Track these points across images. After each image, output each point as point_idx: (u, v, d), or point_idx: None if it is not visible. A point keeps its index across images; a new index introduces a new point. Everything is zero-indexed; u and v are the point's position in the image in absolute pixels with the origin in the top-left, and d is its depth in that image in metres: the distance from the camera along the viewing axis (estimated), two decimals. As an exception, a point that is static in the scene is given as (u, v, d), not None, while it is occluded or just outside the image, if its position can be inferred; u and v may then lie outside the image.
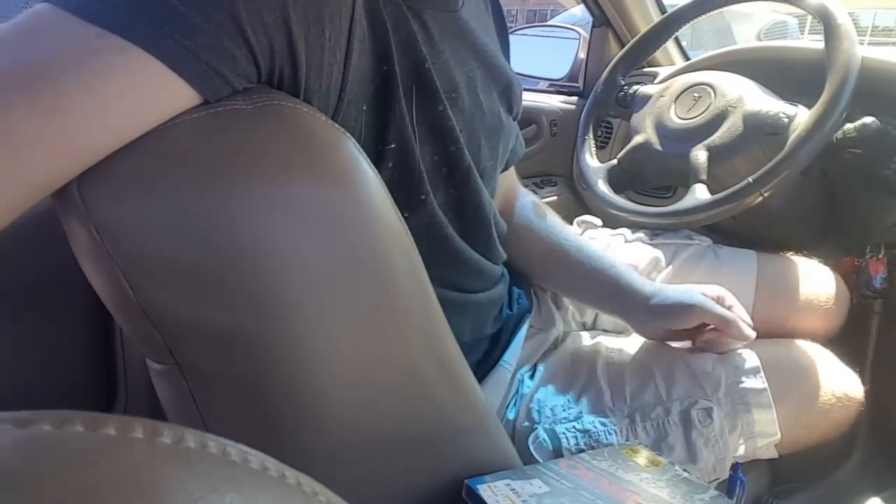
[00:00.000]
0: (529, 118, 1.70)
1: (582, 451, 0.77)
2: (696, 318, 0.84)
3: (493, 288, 0.80)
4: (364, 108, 0.57)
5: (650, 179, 1.25)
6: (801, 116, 1.01)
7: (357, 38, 0.53)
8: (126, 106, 0.41)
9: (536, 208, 0.98)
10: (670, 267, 1.03)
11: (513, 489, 0.58)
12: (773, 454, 0.84)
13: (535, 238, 0.95)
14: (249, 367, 0.46)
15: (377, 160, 0.58)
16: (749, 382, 0.82)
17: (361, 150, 0.51)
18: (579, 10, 2.85)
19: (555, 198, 1.71)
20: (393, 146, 0.60)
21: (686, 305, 0.84)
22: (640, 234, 1.12)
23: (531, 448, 0.78)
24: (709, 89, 1.15)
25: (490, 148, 0.76)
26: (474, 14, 0.73)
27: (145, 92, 0.41)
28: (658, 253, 1.04)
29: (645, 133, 1.21)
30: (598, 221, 1.21)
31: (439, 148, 0.66)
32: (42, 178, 0.40)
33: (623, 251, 1.07)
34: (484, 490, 0.57)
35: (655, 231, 1.13)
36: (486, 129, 0.73)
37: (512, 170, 0.98)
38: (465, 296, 0.75)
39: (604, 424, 0.79)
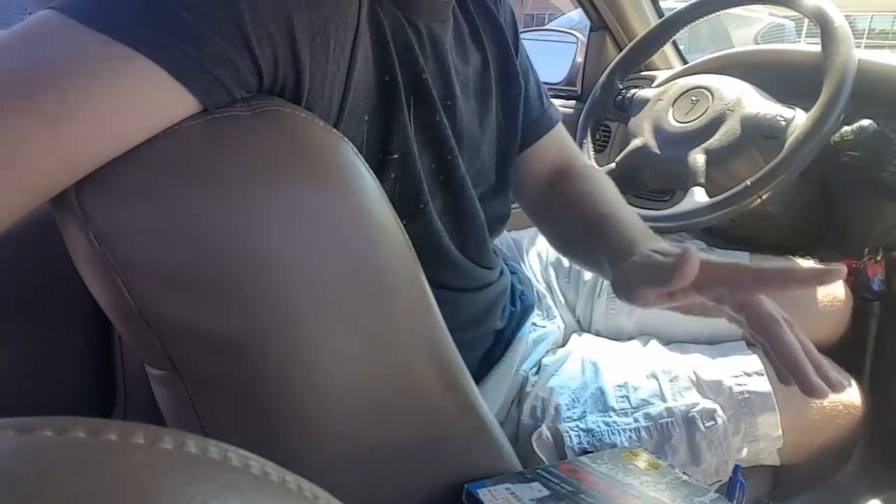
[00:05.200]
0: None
1: (585, 450, 0.77)
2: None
3: (485, 288, 0.80)
4: (366, 118, 0.57)
5: (648, 183, 1.26)
6: (798, 119, 1.02)
7: (361, 48, 0.54)
8: (129, 114, 0.41)
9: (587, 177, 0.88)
10: None
11: (513, 493, 0.58)
12: (776, 460, 0.84)
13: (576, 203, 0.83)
14: (249, 373, 0.46)
15: (379, 170, 0.59)
16: (753, 386, 0.82)
17: (359, 154, 0.51)
18: (577, 14, 2.86)
19: (553, 201, 1.71)
20: (396, 156, 0.61)
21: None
22: None
23: (535, 446, 0.78)
24: (706, 93, 1.16)
25: (489, 149, 0.76)
26: (462, 25, 0.73)
27: (148, 100, 0.41)
28: None
29: (643, 137, 1.22)
30: None
31: (436, 156, 0.67)
32: (42, 184, 0.40)
33: None
34: (484, 494, 0.57)
35: None
36: (484, 133, 0.74)
37: (560, 132, 0.91)
38: (455, 293, 0.75)
39: (607, 424, 0.79)
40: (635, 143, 1.23)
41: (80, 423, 0.19)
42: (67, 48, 0.40)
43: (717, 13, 1.27)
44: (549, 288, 1.04)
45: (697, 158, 1.09)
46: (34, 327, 0.62)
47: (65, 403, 0.66)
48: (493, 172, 0.80)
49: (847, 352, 0.98)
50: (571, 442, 0.77)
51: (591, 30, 1.66)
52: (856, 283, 1.11)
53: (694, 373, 0.84)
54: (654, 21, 1.52)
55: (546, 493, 0.60)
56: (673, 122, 1.17)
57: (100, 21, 0.40)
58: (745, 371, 0.84)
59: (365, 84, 0.56)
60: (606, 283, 1.02)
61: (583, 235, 0.78)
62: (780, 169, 0.96)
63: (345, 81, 0.53)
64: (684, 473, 0.67)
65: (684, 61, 1.59)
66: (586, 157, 1.30)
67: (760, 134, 1.05)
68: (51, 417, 0.19)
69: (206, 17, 0.42)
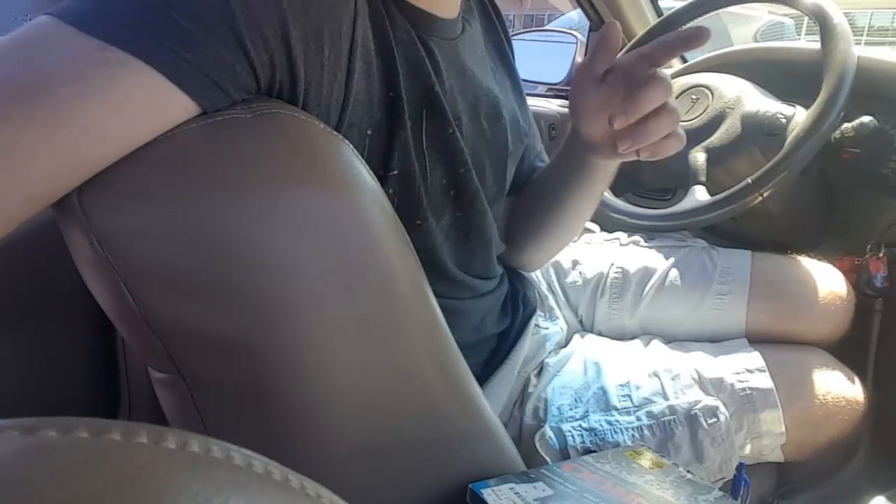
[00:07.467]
0: (528, 123, 1.70)
1: (588, 449, 0.77)
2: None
3: (481, 297, 0.80)
4: (369, 132, 0.57)
5: (649, 182, 1.26)
6: (798, 117, 1.02)
7: (359, 59, 0.53)
8: (126, 118, 0.41)
9: None
10: (663, 270, 1.03)
11: (517, 493, 0.58)
12: (779, 457, 0.84)
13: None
14: (252, 375, 0.46)
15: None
16: (755, 382, 0.82)
17: (360, 156, 0.51)
18: (576, 14, 2.86)
19: (554, 201, 1.71)
20: (396, 172, 0.60)
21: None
22: (636, 238, 1.12)
23: (538, 446, 0.78)
24: (706, 91, 1.16)
25: (495, 175, 0.75)
26: (470, 44, 0.72)
27: (145, 104, 0.41)
28: (649, 263, 1.04)
29: (643, 135, 1.21)
30: (595, 226, 1.21)
31: (448, 170, 0.66)
32: (41, 190, 0.40)
33: (618, 255, 1.07)
34: (488, 494, 0.57)
35: (651, 235, 1.13)
36: (490, 156, 0.73)
37: None
38: (457, 302, 0.75)
39: (610, 423, 0.79)
40: (636, 141, 1.23)
41: (84, 423, 0.19)
42: (62, 54, 0.40)
43: (716, 11, 1.27)
44: (552, 289, 1.04)
45: (698, 157, 1.09)
46: (38, 330, 0.62)
47: (69, 406, 0.66)
48: (503, 192, 0.81)
49: (850, 348, 0.98)
50: (574, 441, 0.77)
51: (591, 30, 1.67)
52: (858, 279, 1.10)
53: (696, 370, 0.84)
54: (652, 20, 1.52)
55: (550, 492, 0.60)
56: (673, 120, 1.17)
57: (95, 26, 0.40)
58: (746, 368, 0.84)
59: (367, 98, 0.56)
60: (609, 282, 1.02)
61: (550, 196, 0.87)
62: (780, 166, 0.96)
63: (343, 92, 0.53)
64: (688, 472, 0.67)
65: (684, 60, 1.59)
66: None
67: (761, 132, 1.05)
68: (55, 418, 0.19)
69: (201, 21, 0.42)
